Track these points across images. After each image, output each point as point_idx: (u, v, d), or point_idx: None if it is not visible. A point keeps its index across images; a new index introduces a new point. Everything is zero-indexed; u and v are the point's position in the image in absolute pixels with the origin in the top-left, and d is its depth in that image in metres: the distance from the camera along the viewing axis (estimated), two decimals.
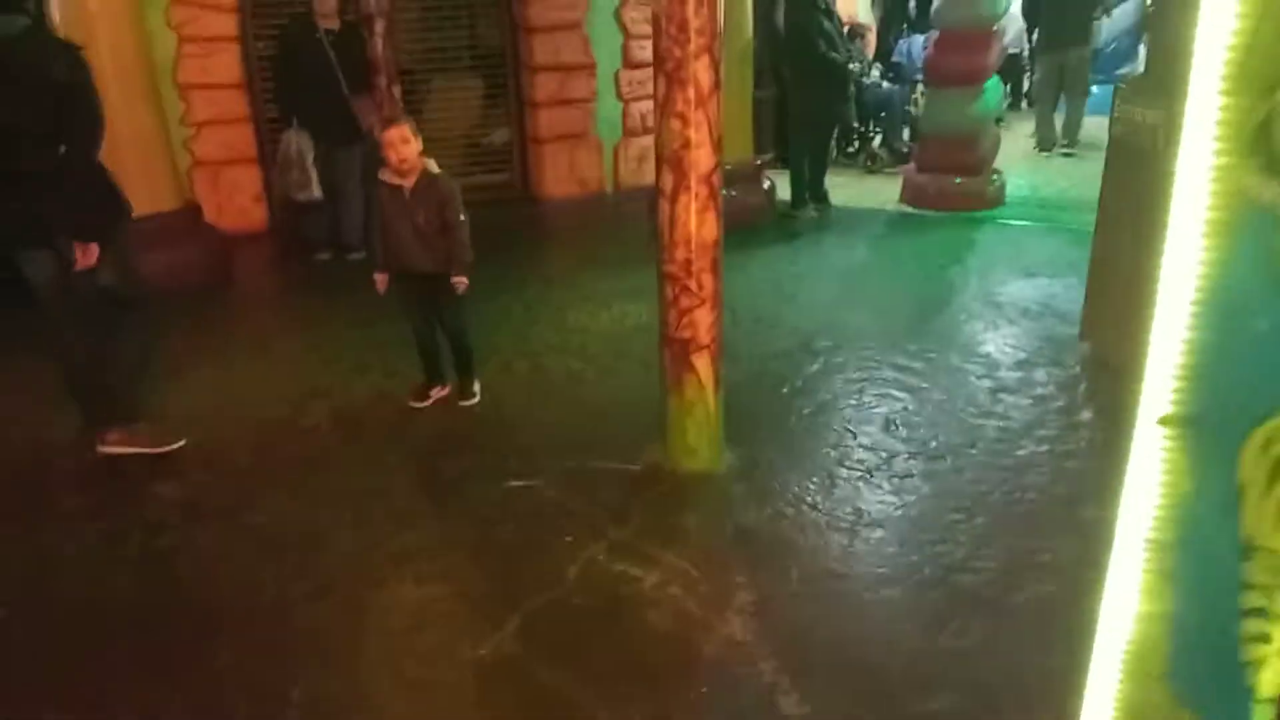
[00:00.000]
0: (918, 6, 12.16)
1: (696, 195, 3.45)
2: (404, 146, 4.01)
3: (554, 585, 3.05)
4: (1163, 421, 1.19)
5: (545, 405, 4.50)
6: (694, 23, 3.24)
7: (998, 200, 8.03)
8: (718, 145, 3.45)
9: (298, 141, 6.77)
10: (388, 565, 3.22)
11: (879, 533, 3.35)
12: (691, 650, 2.75)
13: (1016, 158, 9.57)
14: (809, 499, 3.56)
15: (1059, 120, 10.54)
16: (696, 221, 3.48)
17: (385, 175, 4.11)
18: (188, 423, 4.18)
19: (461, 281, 4.16)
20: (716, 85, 3.36)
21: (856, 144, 10.48)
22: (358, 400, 4.59)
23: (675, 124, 3.37)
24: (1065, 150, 10.39)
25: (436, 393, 4.48)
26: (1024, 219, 7.74)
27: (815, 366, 4.81)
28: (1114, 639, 1.34)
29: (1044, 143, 10.52)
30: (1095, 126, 10.82)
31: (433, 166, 4.16)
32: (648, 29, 3.71)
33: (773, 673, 2.63)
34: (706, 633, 2.81)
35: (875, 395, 4.44)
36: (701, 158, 3.41)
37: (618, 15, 8.90)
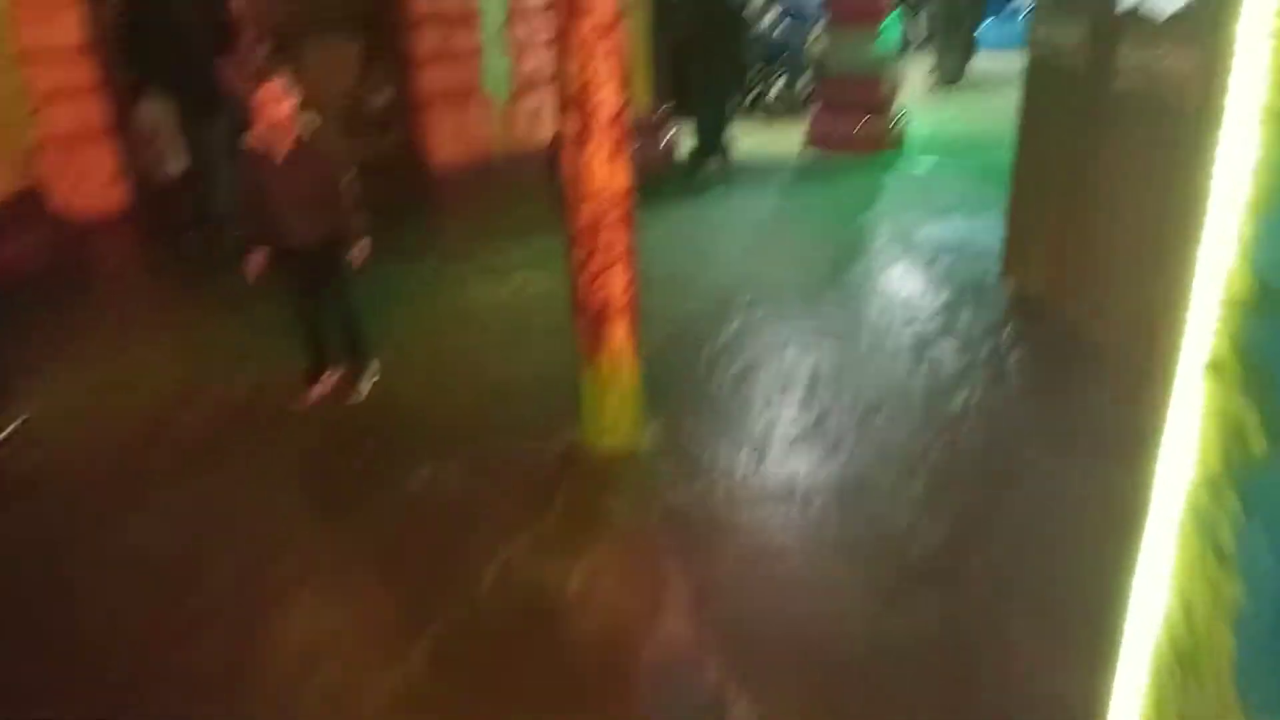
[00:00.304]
0: None
1: (604, 141, 3.11)
2: (276, 107, 3.54)
3: (468, 597, 2.72)
4: (1212, 367, 0.94)
5: (447, 387, 4.13)
6: None
7: (902, 141, 7.89)
8: (624, 83, 3.11)
9: (156, 111, 6.12)
10: (277, 589, 2.84)
11: (817, 503, 3.12)
12: (628, 657, 2.48)
13: (915, 96, 9.45)
14: (739, 471, 3.31)
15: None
16: (606, 171, 3.14)
17: (254, 141, 3.64)
18: (37, 432, 3.70)
19: (360, 249, 3.75)
20: (619, 16, 3.01)
21: (757, 90, 10.21)
22: (237, 395, 4.12)
23: (577, 59, 3.01)
24: (953, 86, 10.42)
25: (327, 378, 4.06)
26: (929, 157, 7.63)
27: (735, 325, 4.55)
28: (1143, 635, 1.11)
29: (945, 78, 10.47)
30: (985, 62, 10.88)
31: (309, 125, 3.70)
32: None
33: (720, 673, 2.38)
34: (643, 635, 2.54)
35: (799, 352, 4.21)
36: (608, 97, 3.06)
37: None
